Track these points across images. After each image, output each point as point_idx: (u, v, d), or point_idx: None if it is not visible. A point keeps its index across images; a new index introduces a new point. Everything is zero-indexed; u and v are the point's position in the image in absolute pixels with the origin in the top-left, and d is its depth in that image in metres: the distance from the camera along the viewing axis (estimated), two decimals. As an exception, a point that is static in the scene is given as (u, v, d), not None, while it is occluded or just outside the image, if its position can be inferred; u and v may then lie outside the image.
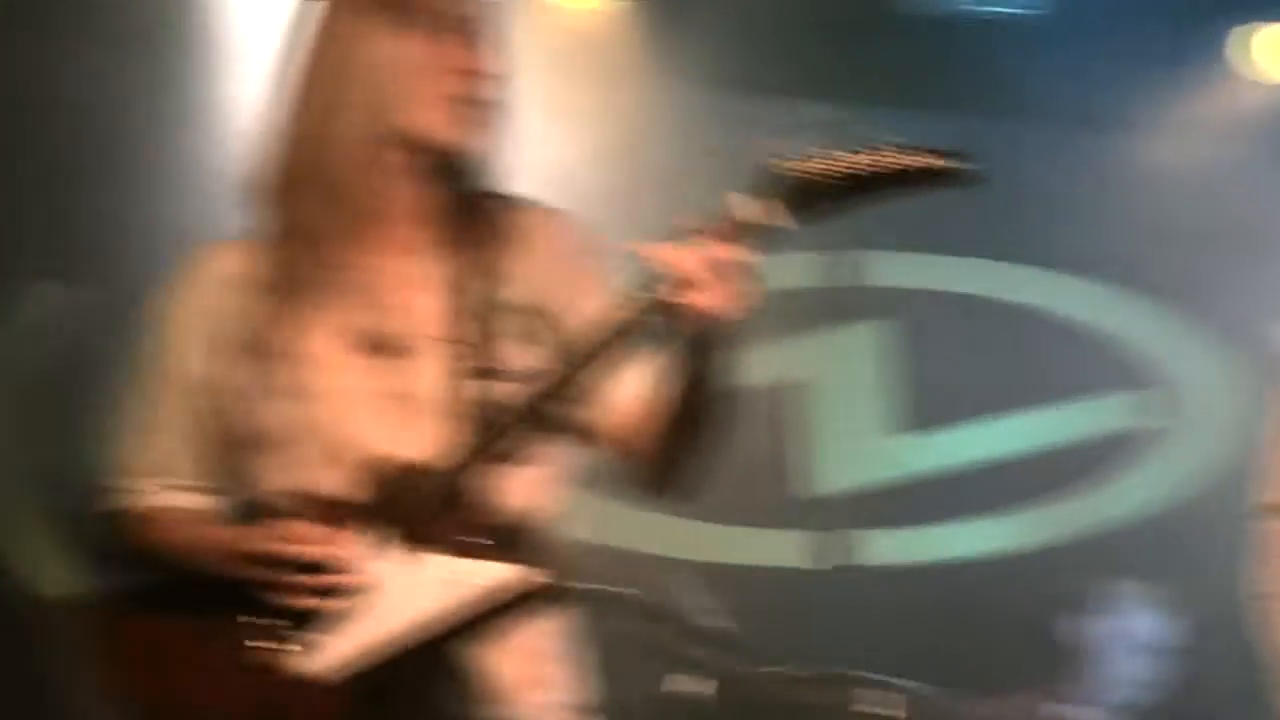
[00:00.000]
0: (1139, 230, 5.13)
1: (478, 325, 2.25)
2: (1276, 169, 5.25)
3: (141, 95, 4.82)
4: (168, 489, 2.35)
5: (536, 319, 2.29)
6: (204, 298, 2.33)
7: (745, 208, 2.10)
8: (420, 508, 2.18)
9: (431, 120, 2.25)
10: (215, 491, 2.36)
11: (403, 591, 2.16)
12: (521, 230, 2.32)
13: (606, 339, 2.15)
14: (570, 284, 2.31)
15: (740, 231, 2.10)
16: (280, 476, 2.27)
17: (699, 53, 5.24)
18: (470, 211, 2.31)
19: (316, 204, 2.24)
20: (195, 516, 2.34)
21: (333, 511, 2.20)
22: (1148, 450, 5.38)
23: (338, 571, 2.16)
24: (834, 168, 2.09)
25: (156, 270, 2.43)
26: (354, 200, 2.24)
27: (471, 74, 2.26)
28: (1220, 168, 5.21)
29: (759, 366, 5.19)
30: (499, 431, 2.18)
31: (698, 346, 2.14)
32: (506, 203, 2.34)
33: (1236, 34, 5.17)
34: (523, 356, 2.25)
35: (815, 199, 2.10)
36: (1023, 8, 5.30)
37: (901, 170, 2.09)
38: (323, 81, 2.25)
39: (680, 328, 2.13)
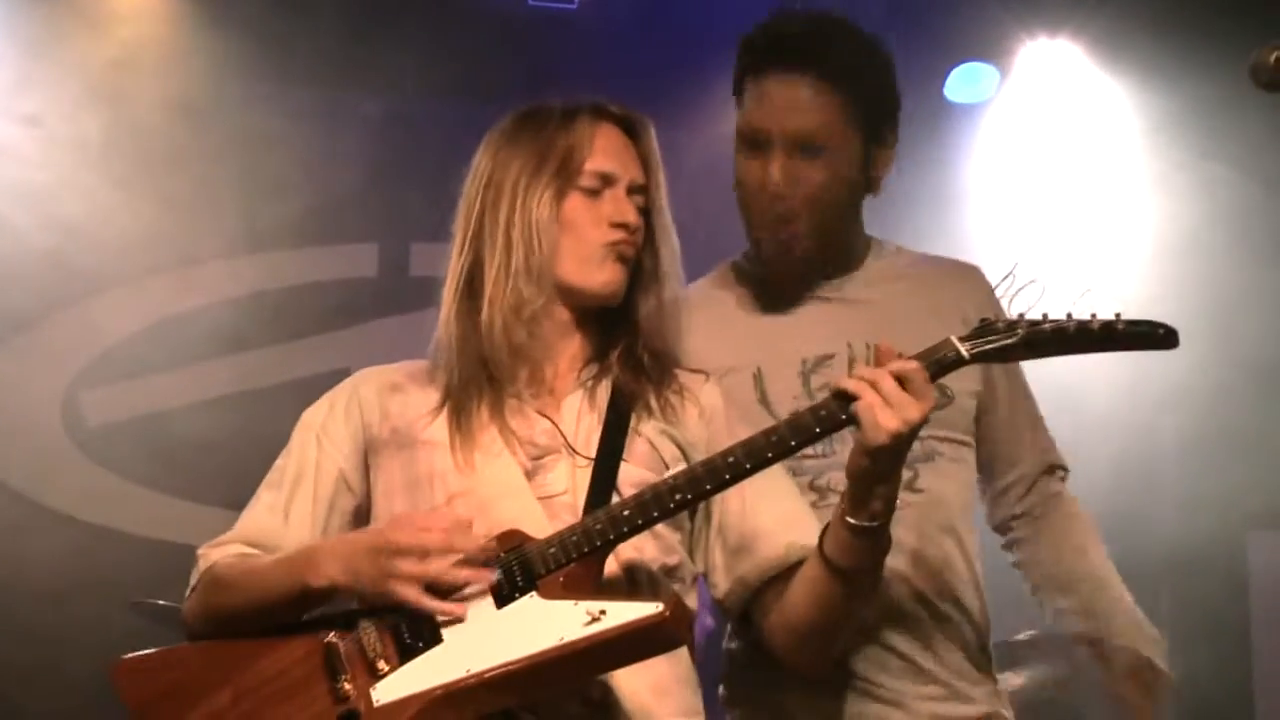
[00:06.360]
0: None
1: (616, 445, 2.38)
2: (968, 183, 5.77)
3: None
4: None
5: (680, 450, 2.42)
6: (355, 404, 2.47)
7: (958, 347, 2.21)
8: (540, 560, 2.23)
9: (588, 271, 2.41)
10: None
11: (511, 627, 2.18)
12: (678, 382, 2.47)
13: (790, 436, 2.21)
14: (719, 433, 2.43)
15: (935, 367, 2.20)
16: None
17: (254, 47, 5.26)
18: (631, 360, 2.45)
19: (499, 355, 2.39)
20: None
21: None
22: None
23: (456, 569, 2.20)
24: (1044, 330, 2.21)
25: None
26: (528, 352, 2.40)
27: (623, 226, 2.42)
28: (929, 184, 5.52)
29: (315, 355, 5.42)
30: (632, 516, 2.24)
31: (868, 471, 2.20)
32: (665, 357, 2.47)
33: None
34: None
35: (1021, 353, 2.22)
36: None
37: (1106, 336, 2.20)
38: (495, 239, 2.40)
39: (863, 442, 2.17)
